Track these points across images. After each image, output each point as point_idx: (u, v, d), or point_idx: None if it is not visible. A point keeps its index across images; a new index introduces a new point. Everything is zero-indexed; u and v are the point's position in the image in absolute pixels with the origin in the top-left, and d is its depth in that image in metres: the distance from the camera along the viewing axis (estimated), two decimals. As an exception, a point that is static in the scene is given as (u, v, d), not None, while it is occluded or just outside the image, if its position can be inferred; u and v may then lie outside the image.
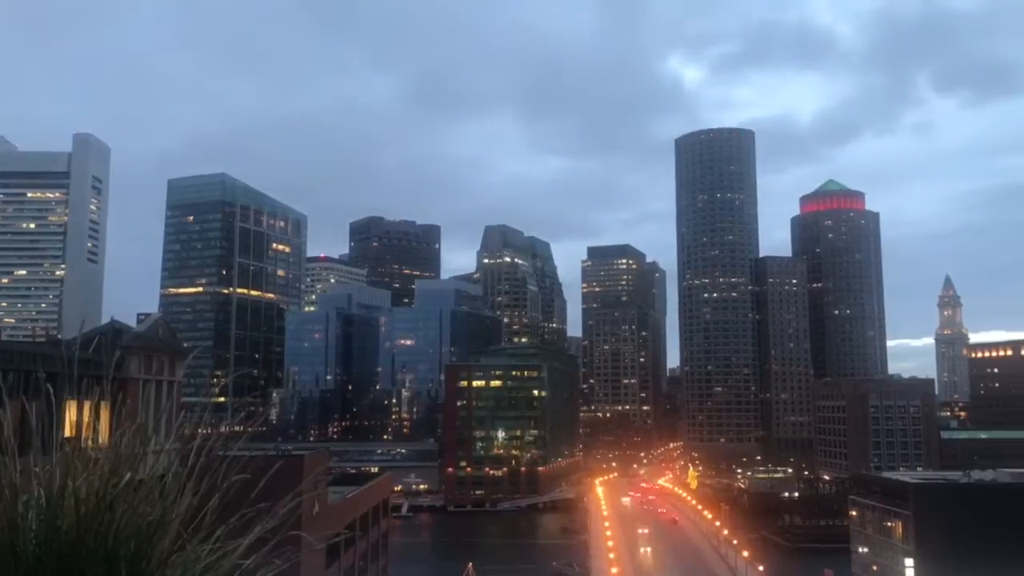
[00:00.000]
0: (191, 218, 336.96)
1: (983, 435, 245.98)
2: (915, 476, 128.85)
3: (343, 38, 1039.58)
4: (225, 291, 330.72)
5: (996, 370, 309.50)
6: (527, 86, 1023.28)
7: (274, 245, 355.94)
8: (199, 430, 5.26)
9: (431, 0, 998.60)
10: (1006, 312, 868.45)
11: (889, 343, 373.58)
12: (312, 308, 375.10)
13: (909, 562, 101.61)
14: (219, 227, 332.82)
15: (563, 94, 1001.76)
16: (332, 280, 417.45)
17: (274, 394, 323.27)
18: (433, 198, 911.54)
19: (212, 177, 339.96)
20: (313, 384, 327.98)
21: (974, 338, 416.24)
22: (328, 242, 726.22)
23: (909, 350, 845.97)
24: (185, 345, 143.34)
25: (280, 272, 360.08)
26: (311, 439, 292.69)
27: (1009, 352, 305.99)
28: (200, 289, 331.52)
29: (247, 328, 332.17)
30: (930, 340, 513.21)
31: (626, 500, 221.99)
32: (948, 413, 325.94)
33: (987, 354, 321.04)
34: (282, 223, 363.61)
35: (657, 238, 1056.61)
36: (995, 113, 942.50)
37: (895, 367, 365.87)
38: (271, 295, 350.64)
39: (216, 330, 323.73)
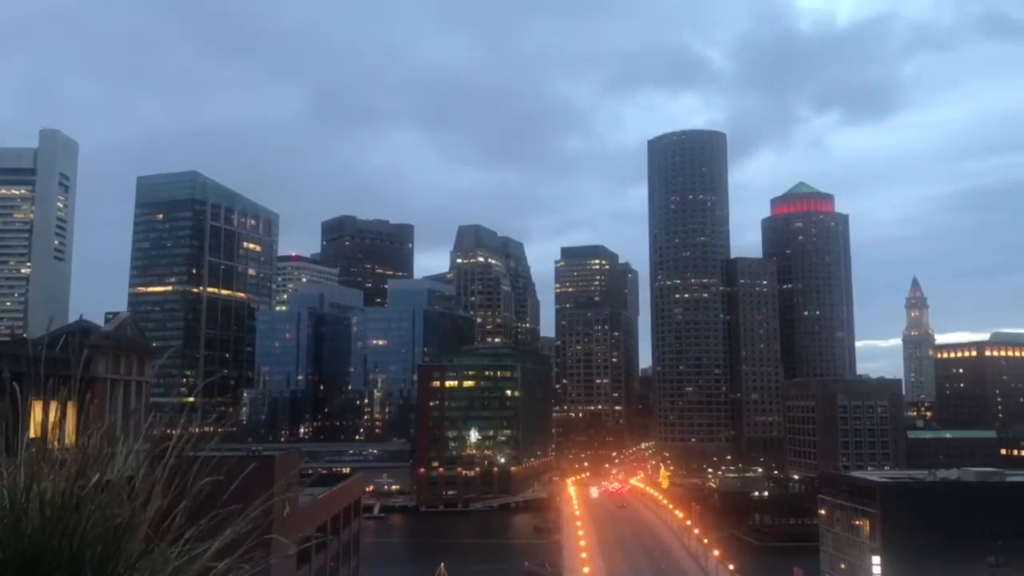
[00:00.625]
0: (161, 216, 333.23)
1: (948, 435, 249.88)
2: (882, 475, 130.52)
3: (244, 57, 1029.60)
4: (195, 290, 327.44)
5: (961, 371, 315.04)
6: (427, 104, 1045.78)
7: (245, 244, 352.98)
8: (169, 431, 5.23)
9: (324, 23, 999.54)
10: (970, 314, 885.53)
11: (857, 344, 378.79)
12: (283, 308, 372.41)
13: (876, 560, 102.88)
14: (189, 225, 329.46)
15: (462, 111, 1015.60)
16: (304, 279, 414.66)
17: (245, 394, 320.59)
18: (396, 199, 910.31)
19: (183, 175, 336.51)
20: (284, 384, 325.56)
21: (940, 339, 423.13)
22: (300, 241, 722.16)
23: (877, 351, 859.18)
24: (154, 345, 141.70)
25: (251, 271, 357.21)
26: (282, 440, 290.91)
27: (973, 353, 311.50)
28: (170, 288, 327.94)
29: (217, 328, 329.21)
30: (897, 341, 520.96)
31: (594, 491, 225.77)
32: (915, 413, 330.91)
33: (952, 355, 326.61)
34: (253, 221, 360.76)
35: (602, 239, 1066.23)
36: (887, 129, 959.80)
37: (863, 367, 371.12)
38: (242, 294, 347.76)
39: (186, 329, 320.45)
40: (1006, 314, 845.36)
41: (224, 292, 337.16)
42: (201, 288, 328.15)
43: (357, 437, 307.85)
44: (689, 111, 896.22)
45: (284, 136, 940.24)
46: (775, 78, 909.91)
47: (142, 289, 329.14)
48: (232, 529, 4.75)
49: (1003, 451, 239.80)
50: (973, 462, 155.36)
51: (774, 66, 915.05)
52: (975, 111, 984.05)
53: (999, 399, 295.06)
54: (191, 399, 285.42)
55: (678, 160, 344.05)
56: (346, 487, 79.29)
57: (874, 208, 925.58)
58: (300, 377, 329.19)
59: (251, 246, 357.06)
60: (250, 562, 4.93)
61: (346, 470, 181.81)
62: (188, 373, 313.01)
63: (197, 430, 5.16)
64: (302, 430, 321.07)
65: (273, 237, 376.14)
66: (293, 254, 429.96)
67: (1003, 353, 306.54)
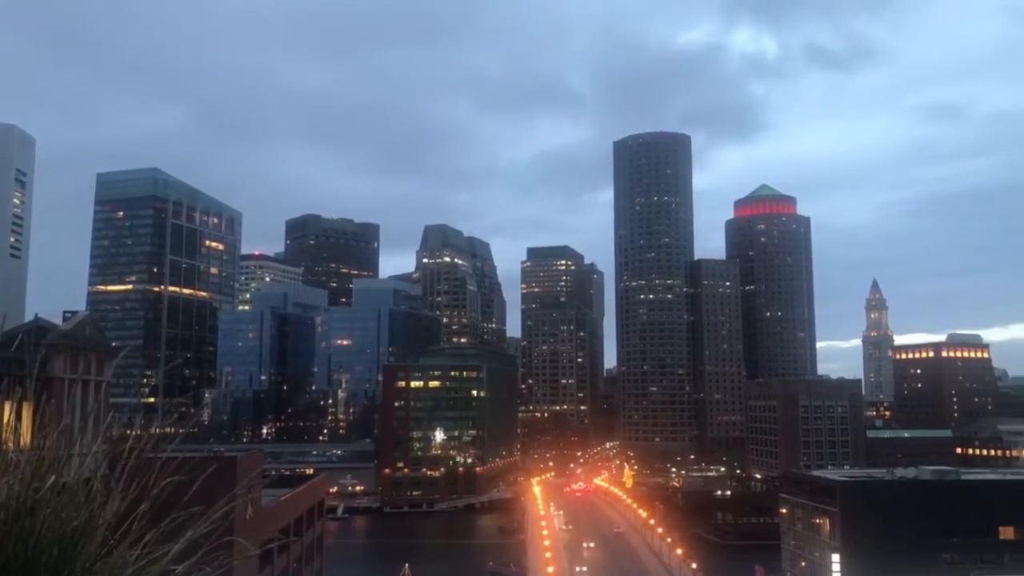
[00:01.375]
0: (121, 214, 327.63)
1: (906, 434, 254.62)
2: (842, 474, 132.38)
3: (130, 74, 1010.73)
4: (156, 289, 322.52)
5: (918, 371, 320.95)
6: (309, 119, 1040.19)
7: (207, 242, 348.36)
8: (128, 431, 5.11)
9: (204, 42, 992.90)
10: (928, 316, 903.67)
11: (818, 344, 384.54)
12: (246, 307, 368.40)
13: (836, 558, 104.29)
14: (150, 223, 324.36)
15: (348, 126, 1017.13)
16: (267, 278, 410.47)
17: (206, 394, 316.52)
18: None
19: (143, 171, 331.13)
20: (247, 384, 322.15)
21: (899, 340, 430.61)
22: (263, 240, 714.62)
23: (838, 351, 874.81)
24: (114, 344, 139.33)
25: (213, 270, 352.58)
26: (245, 440, 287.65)
27: (931, 353, 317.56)
28: (130, 287, 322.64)
29: (179, 327, 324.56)
30: (857, 342, 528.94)
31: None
32: (874, 413, 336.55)
33: (910, 356, 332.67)
34: (216, 220, 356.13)
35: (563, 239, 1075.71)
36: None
37: (824, 368, 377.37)
38: (204, 293, 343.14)
39: (146, 329, 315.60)
40: (962, 316, 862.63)
41: (186, 291, 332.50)
42: (162, 287, 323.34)
43: (321, 438, 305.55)
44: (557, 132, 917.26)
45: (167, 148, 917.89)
46: (635, 99, 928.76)
47: (102, 288, 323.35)
48: (193, 531, 4.66)
49: (958, 450, 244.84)
50: (930, 461, 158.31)
51: (635, 88, 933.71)
52: (929, 121, 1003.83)
53: (955, 399, 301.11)
54: (151, 399, 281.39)
55: (643, 162, 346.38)
56: (309, 488, 78.61)
57: (837, 213, 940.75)
58: (263, 377, 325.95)
59: (213, 244, 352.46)
60: (212, 564, 4.84)
61: (309, 471, 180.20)
62: (149, 373, 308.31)
63: (157, 431, 5.10)
64: (265, 431, 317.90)
65: (236, 235, 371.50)
66: (256, 253, 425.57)
67: (959, 354, 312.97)
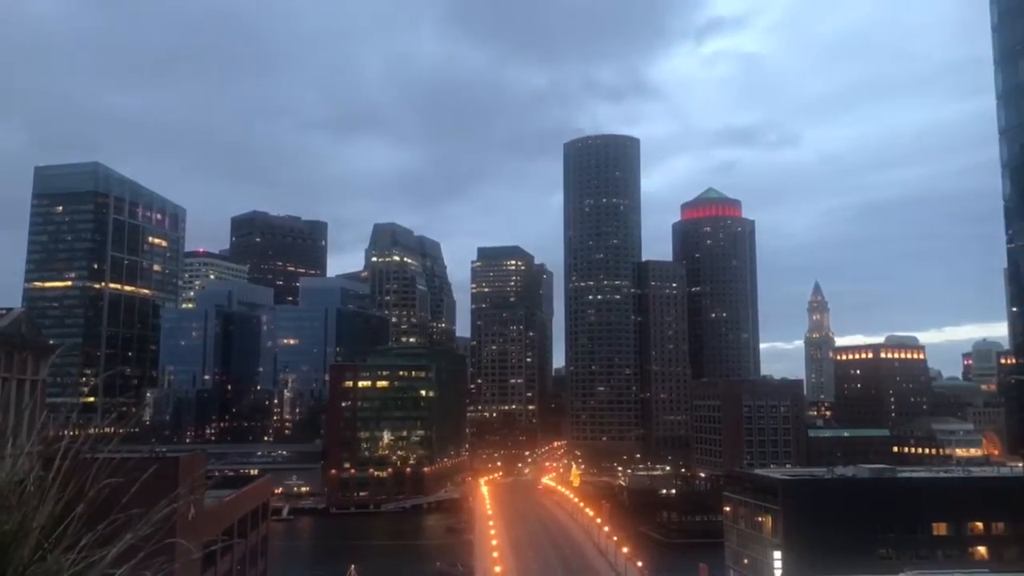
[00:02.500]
0: (60, 208, 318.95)
1: (846, 433, 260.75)
2: (784, 473, 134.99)
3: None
4: (96, 286, 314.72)
5: (858, 372, 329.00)
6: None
7: (150, 238, 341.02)
8: (65, 431, 4.94)
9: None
10: (867, 318, 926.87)
11: (762, 346, 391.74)
12: (190, 305, 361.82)
13: (777, 555, 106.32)
14: (91, 218, 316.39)
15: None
16: (212, 276, 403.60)
17: (148, 394, 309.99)
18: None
19: (84, 165, 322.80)
20: (190, 384, 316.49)
21: (839, 342, 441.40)
22: (208, 237, 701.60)
23: (781, 352, 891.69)
24: (51, 342, 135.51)
25: (156, 267, 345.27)
26: (187, 441, 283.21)
27: (870, 355, 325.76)
28: (69, 283, 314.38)
29: (120, 325, 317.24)
30: (800, 343, 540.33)
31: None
32: (815, 413, 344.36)
33: (850, 357, 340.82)
34: (159, 216, 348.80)
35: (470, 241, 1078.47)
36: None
37: (768, 368, 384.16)
38: (146, 290, 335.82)
39: (86, 327, 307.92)
40: (900, 318, 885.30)
41: (127, 288, 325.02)
42: (103, 284, 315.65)
43: (266, 438, 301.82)
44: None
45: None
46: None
47: (39, 284, 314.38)
48: (132, 534, 4.49)
49: (895, 449, 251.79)
50: (868, 460, 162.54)
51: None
52: (873, 130, 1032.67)
53: (892, 399, 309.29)
54: (91, 399, 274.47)
55: (592, 164, 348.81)
56: (254, 489, 77.56)
57: (784, 219, 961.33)
58: (207, 377, 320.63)
59: (156, 241, 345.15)
60: (152, 567, 4.70)
61: (254, 472, 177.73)
62: (88, 372, 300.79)
63: (96, 431, 4.96)
64: (208, 431, 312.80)
65: (180, 232, 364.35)
66: (201, 250, 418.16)
67: (896, 355, 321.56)
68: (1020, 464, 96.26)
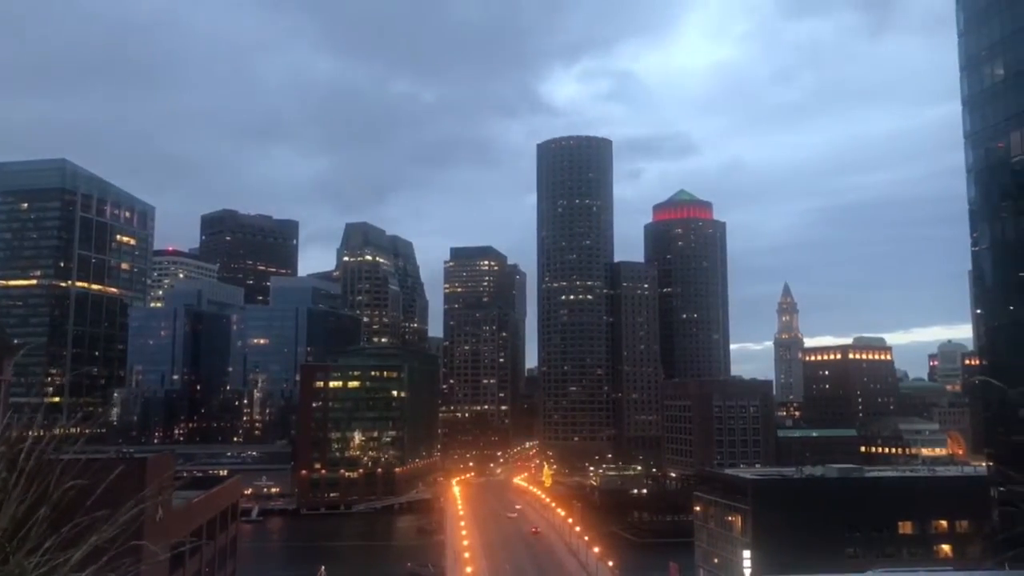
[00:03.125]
0: (26, 205, 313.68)
1: (814, 433, 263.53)
2: (754, 473, 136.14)
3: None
4: (63, 284, 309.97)
5: (826, 372, 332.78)
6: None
7: (118, 236, 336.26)
8: (29, 432, 4.73)
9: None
10: (836, 319, 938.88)
11: (732, 346, 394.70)
12: (159, 304, 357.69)
13: (747, 554, 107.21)
14: (57, 216, 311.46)
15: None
16: (181, 275, 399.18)
17: (115, 394, 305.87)
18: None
19: (50, 162, 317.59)
20: (158, 384, 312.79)
21: (808, 343, 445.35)
22: (178, 235, 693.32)
23: (750, 353, 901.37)
24: (15, 341, 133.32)
25: (124, 265, 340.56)
26: (155, 441, 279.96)
27: (838, 356, 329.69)
28: (34, 281, 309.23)
29: (86, 324, 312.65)
30: (769, 344, 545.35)
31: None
32: (784, 413, 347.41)
33: (819, 358, 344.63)
34: (128, 213, 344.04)
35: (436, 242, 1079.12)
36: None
37: (737, 369, 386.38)
38: (114, 289, 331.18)
39: (51, 326, 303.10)
40: (868, 319, 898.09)
41: (95, 287, 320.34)
42: (69, 282, 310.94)
43: (235, 439, 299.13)
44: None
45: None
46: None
47: (3, 282, 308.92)
48: (97, 536, 4.28)
49: (863, 448, 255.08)
50: (836, 459, 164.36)
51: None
52: (843, 135, 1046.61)
53: (860, 399, 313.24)
54: (56, 399, 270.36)
55: (566, 165, 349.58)
56: (222, 490, 76.78)
57: (755, 221, 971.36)
58: (175, 376, 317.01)
59: (125, 239, 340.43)
60: (118, 569, 4.53)
61: (223, 473, 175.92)
62: (53, 372, 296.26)
63: (61, 431, 4.79)
64: (177, 431, 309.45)
65: (149, 230, 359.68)
66: (170, 248, 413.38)
67: (864, 356, 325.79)
68: (983, 463, 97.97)
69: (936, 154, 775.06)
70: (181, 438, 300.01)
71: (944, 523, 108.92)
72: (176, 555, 52.57)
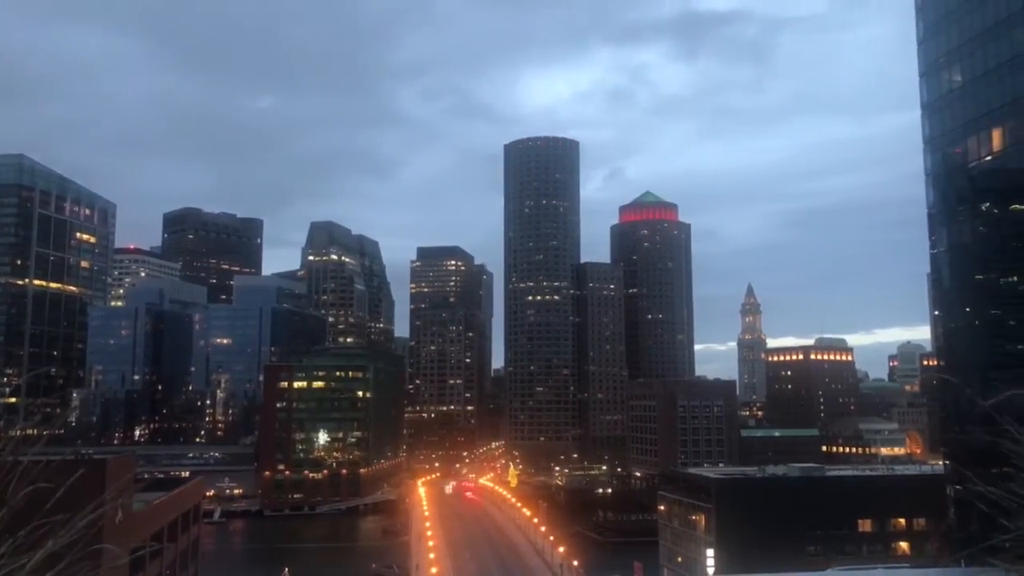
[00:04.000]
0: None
1: (777, 433, 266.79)
2: (717, 472, 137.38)
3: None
4: (20, 282, 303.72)
5: (789, 373, 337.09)
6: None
7: (78, 234, 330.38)
8: None
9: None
10: (798, 321, 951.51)
11: (697, 347, 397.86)
12: (120, 303, 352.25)
13: (710, 552, 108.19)
14: (15, 212, 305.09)
15: None
16: (143, 273, 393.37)
17: (74, 395, 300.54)
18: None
19: (7, 157, 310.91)
20: (119, 384, 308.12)
21: (771, 343, 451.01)
22: (139, 233, 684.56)
23: (715, 354, 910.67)
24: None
25: (84, 263, 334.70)
26: (116, 443, 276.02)
27: (800, 356, 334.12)
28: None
29: (45, 323, 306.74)
30: (733, 344, 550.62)
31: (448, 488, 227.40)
32: (747, 413, 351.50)
33: (782, 358, 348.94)
34: (88, 211, 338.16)
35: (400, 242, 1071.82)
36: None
37: (702, 369, 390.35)
38: (73, 288, 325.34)
39: (8, 325, 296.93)
40: (830, 321, 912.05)
41: (53, 285, 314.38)
42: (27, 280, 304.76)
43: (198, 440, 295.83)
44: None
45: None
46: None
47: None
48: (55, 540, 4.16)
49: (824, 448, 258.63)
50: (798, 459, 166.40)
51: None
52: (808, 141, 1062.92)
53: (822, 399, 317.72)
54: (13, 400, 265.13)
55: (533, 165, 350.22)
56: (184, 492, 75.88)
57: (720, 224, 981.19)
58: (136, 377, 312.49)
59: (85, 237, 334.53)
60: (78, 574, 4.45)
61: (185, 474, 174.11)
62: (10, 372, 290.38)
63: (18, 433, 4.76)
64: (138, 432, 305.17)
65: (109, 228, 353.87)
66: (132, 247, 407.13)
67: (826, 357, 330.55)
68: (940, 462, 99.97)
69: (898, 160, 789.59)
70: (142, 439, 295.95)
71: (902, 521, 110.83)
72: (136, 558, 51.84)
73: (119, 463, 56.64)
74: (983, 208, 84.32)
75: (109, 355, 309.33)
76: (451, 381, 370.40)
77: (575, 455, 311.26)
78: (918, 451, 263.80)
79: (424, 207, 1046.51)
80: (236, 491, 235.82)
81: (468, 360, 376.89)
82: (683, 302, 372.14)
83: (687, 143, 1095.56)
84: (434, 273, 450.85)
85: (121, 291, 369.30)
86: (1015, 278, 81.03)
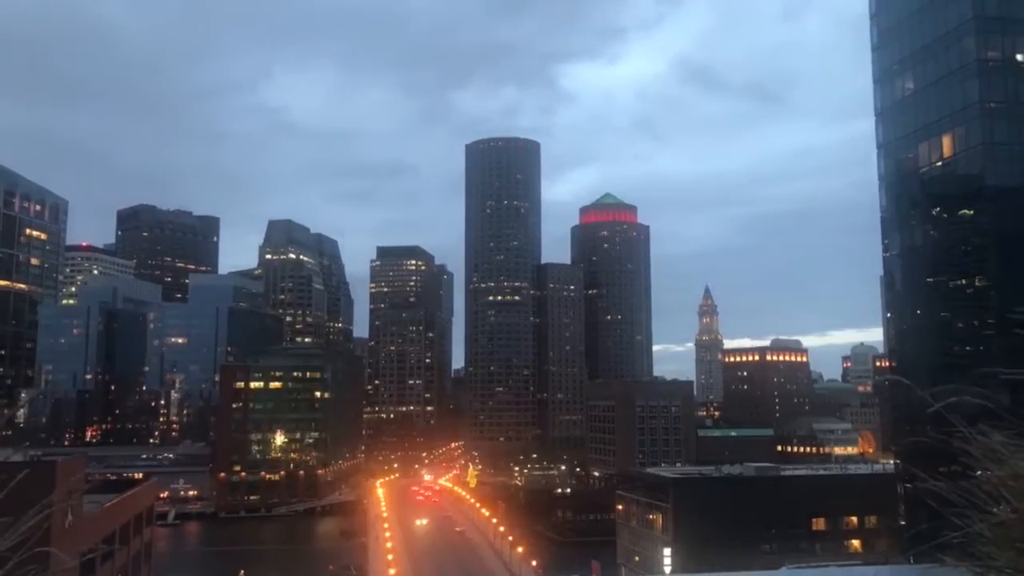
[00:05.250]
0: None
1: (733, 433, 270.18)
2: (674, 471, 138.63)
3: None
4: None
5: (745, 373, 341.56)
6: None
7: (27, 230, 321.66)
8: None
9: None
10: (754, 323, 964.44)
11: (655, 347, 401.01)
12: (71, 301, 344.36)
13: (667, 551, 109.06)
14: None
15: None
16: (95, 271, 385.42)
17: (23, 394, 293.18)
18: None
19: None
20: (70, 384, 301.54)
21: (728, 344, 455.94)
22: (92, 230, 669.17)
23: (673, 354, 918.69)
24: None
25: (34, 260, 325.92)
26: (66, 444, 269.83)
27: (756, 357, 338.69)
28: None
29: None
30: (691, 345, 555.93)
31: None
32: (705, 413, 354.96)
33: (738, 359, 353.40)
34: (38, 207, 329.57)
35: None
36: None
37: (660, 369, 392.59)
38: (22, 285, 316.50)
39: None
40: (785, 322, 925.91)
41: (2, 283, 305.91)
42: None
43: (152, 441, 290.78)
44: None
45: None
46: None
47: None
48: None
49: (779, 447, 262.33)
50: (754, 458, 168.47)
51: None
52: (767, 148, 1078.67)
53: (777, 400, 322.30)
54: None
55: (494, 166, 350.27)
56: (137, 493, 74.50)
57: (680, 227, 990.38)
58: (88, 376, 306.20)
59: (35, 233, 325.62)
60: None
61: (138, 476, 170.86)
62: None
63: None
64: (89, 434, 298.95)
65: (61, 224, 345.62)
66: (84, 244, 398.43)
67: (781, 358, 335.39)
68: (891, 461, 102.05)
69: (853, 166, 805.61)
70: (94, 440, 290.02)
71: (855, 519, 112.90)
72: (86, 561, 50.78)
73: (69, 464, 55.46)
74: (934, 212, 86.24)
75: (60, 354, 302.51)
76: (411, 381, 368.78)
77: (535, 455, 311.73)
78: (870, 450, 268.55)
79: (385, 207, 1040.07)
80: (191, 493, 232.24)
81: (428, 360, 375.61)
82: (642, 303, 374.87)
83: (650, 150, 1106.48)
84: (394, 273, 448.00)
85: (73, 289, 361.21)
86: (964, 281, 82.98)
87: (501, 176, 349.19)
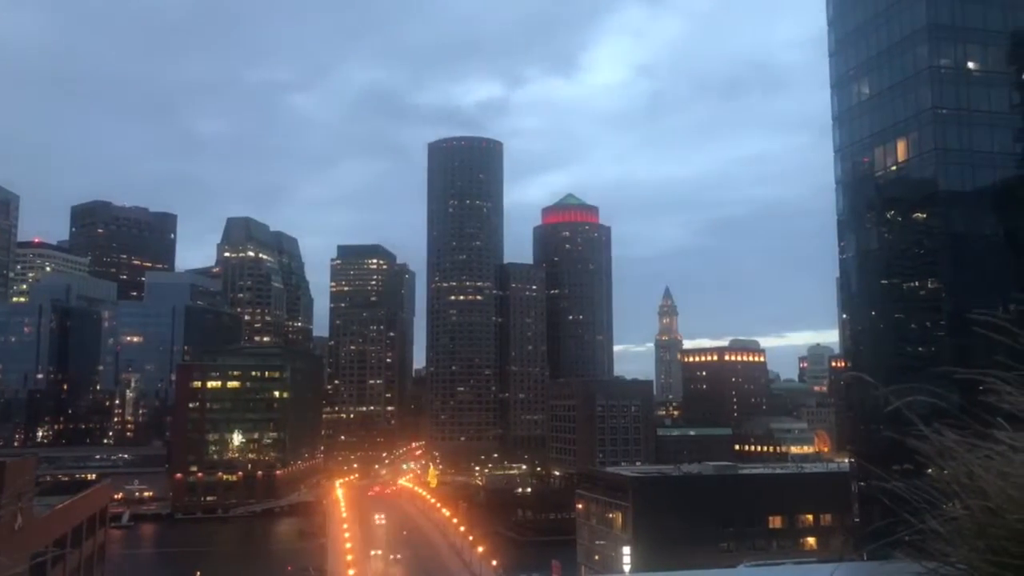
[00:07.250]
0: None
1: (692, 432, 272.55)
2: (634, 470, 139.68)
3: None
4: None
5: (704, 373, 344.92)
6: None
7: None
8: None
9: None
10: (713, 323, 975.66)
11: (616, 347, 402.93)
12: (22, 299, 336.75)
13: (627, 550, 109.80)
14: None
15: None
16: (48, 268, 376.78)
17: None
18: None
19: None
20: (20, 383, 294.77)
21: (687, 344, 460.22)
22: (45, 226, 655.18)
23: (633, 354, 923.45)
24: None
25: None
26: (16, 445, 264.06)
27: (715, 357, 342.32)
28: None
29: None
30: (651, 345, 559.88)
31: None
32: (664, 412, 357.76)
33: (697, 359, 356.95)
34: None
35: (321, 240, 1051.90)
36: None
37: (620, 369, 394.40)
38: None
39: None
40: (743, 323, 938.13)
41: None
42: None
43: (106, 441, 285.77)
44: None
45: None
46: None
47: None
48: None
49: (737, 446, 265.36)
50: (712, 457, 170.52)
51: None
52: (727, 153, 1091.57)
53: (735, 399, 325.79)
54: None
55: (456, 165, 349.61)
56: (90, 495, 73.10)
57: (641, 229, 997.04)
58: (40, 375, 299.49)
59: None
60: None
61: (92, 477, 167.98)
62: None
63: None
64: (41, 434, 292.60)
65: (12, 220, 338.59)
66: (36, 240, 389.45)
67: (739, 358, 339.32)
68: (846, 460, 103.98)
69: (811, 171, 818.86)
70: (46, 440, 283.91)
71: (810, 517, 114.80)
72: (37, 564, 49.73)
73: (19, 465, 54.24)
74: (888, 216, 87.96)
75: (10, 353, 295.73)
76: (371, 381, 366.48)
77: (496, 455, 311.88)
78: (826, 449, 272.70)
79: (345, 205, 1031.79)
80: (146, 494, 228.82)
81: (389, 360, 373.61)
82: (603, 303, 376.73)
83: (616, 155, 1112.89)
84: (355, 272, 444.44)
85: (24, 287, 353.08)
86: (917, 283, 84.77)
87: (464, 176, 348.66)
